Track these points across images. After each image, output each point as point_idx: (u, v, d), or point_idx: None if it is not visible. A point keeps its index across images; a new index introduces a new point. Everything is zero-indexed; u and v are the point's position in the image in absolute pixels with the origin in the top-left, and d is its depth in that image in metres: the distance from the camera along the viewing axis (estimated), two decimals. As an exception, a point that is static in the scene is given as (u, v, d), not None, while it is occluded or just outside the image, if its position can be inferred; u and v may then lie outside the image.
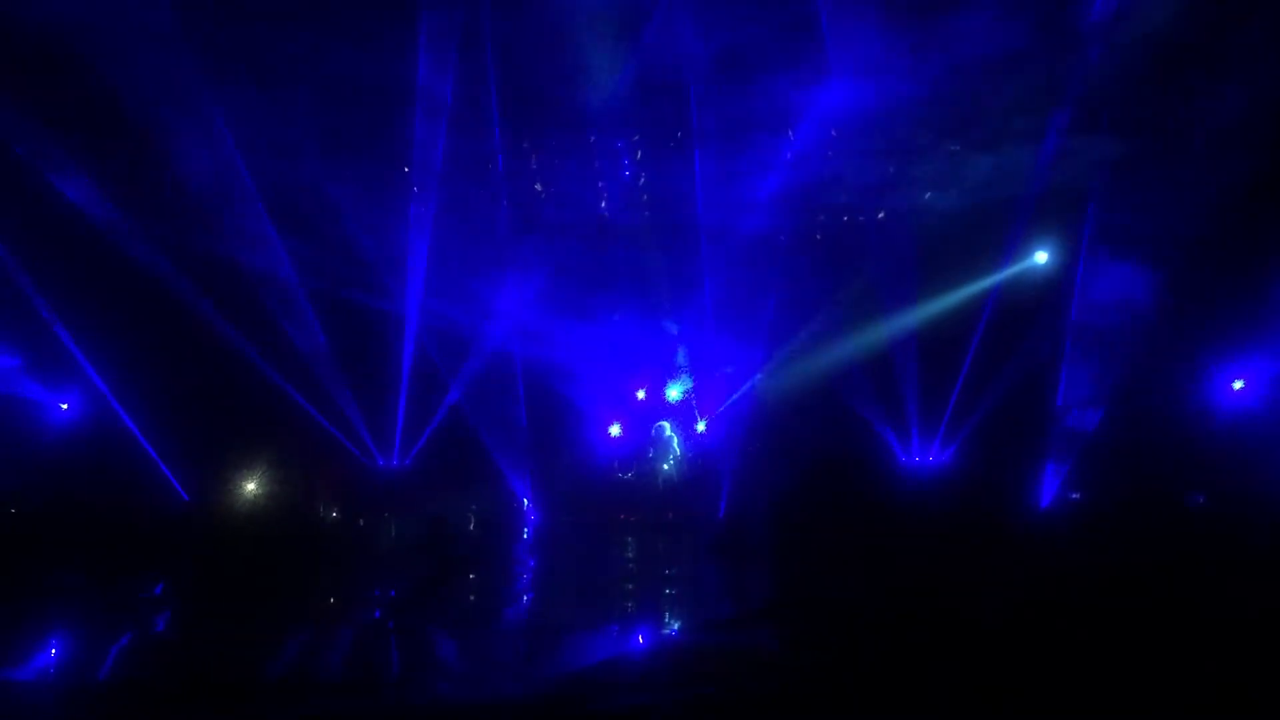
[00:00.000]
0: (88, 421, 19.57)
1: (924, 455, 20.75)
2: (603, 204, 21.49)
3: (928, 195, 20.64)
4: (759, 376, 21.30)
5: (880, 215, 21.11)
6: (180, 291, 19.26)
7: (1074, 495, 19.66)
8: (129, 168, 18.60)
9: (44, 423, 19.63)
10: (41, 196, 18.34)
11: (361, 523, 20.11)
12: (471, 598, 17.07)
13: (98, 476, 18.77)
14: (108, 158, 18.50)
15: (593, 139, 20.87)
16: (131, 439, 19.29)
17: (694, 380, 21.83)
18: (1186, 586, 13.27)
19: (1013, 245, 20.52)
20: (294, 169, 18.98)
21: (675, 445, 21.89)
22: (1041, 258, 20.57)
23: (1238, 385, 19.72)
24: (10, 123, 17.83)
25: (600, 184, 21.47)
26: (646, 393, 21.92)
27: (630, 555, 19.80)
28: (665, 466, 21.90)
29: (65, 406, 19.69)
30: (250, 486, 19.72)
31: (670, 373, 21.92)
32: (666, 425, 22.04)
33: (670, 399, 21.96)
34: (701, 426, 21.92)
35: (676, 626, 13.66)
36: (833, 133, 20.43)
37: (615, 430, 21.79)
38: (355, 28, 17.99)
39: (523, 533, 20.64)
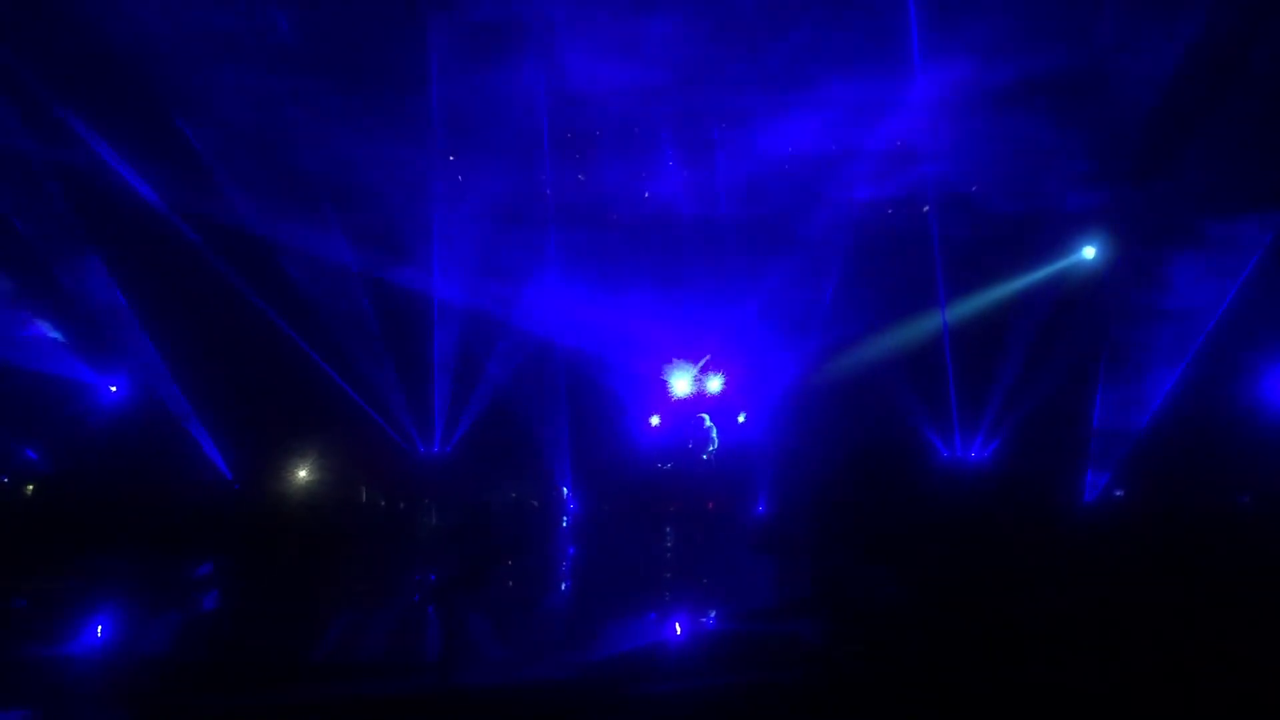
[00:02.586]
0: (136, 404, 19.85)
1: (966, 450, 20.59)
2: (645, 195, 21.49)
3: (974, 188, 20.44)
4: (802, 369, 21.23)
5: (925, 209, 20.92)
6: (227, 276, 19.46)
7: (1117, 492, 19.45)
8: (179, 150, 18.79)
9: (93, 404, 19.93)
10: (90, 179, 18.62)
11: (402, 508, 20.27)
12: (510, 584, 17.17)
13: (145, 459, 19.01)
14: (158, 140, 18.71)
15: (637, 131, 20.88)
16: (179, 423, 19.53)
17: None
18: (1225, 587, 13.12)
19: (1060, 239, 20.33)
20: (343, 153, 19.15)
21: (715, 437, 21.87)
22: (1089, 253, 20.35)
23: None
24: (59, 100, 18.15)
25: (644, 175, 21.47)
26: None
27: (669, 545, 19.81)
28: (704, 458, 21.88)
29: (114, 389, 19.97)
30: (294, 471, 19.94)
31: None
32: (706, 417, 22.02)
33: (711, 390, 21.95)
34: (742, 418, 21.89)
35: (714, 615, 13.66)
36: (878, 126, 20.32)
37: (655, 421, 21.82)
38: (408, 16, 18.17)
39: (562, 521, 20.72)
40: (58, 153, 18.27)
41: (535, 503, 20.71)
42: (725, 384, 21.96)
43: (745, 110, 20.18)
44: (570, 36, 19.21)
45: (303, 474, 19.98)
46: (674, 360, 21.83)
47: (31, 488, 19.19)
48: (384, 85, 18.90)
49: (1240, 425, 18.86)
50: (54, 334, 19.48)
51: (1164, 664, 9.57)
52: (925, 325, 20.78)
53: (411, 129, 19.55)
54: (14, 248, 18.55)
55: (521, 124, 20.17)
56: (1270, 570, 13.88)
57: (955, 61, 18.74)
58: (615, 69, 19.28)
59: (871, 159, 20.57)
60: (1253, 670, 9.24)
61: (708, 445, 21.88)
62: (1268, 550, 15.67)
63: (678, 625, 12.91)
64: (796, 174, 20.77)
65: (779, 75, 19.26)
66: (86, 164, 18.50)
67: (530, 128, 20.30)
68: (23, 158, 18.18)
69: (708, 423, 22.02)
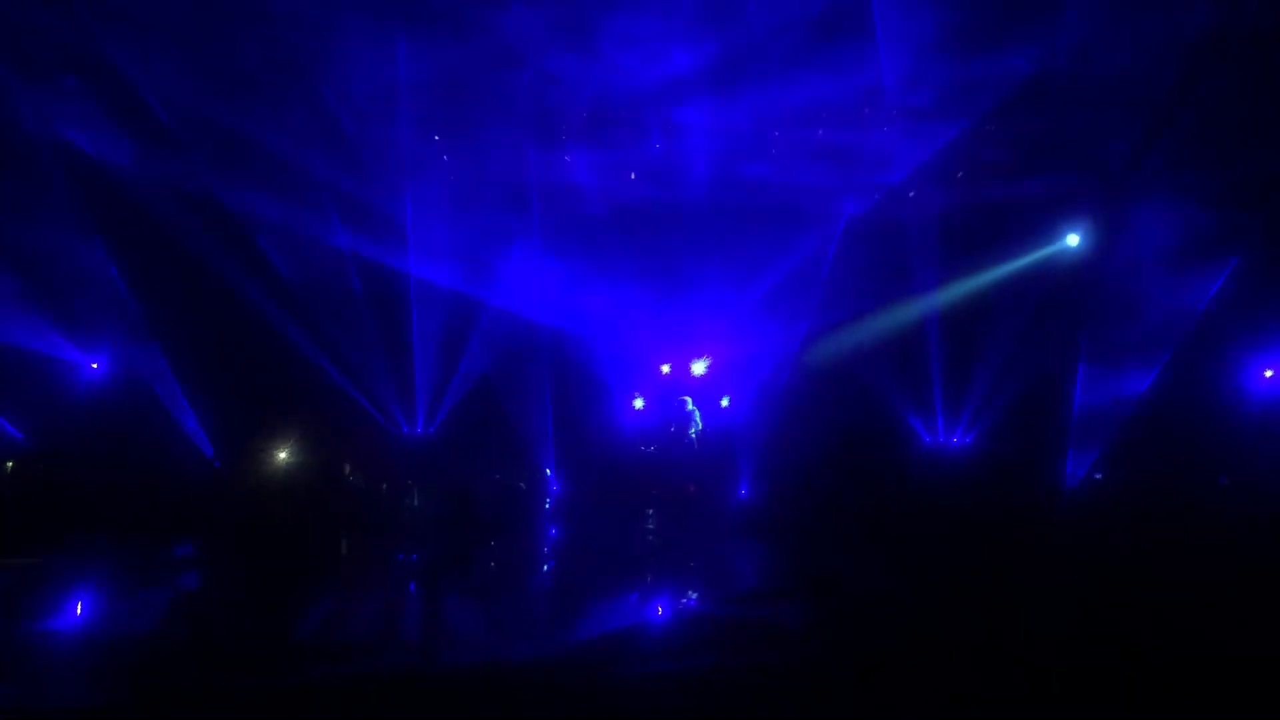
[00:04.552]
0: (118, 381, 19.72)
1: (949, 436, 20.67)
2: (632, 176, 21.39)
3: (960, 175, 20.43)
4: (786, 354, 21.25)
5: (911, 194, 20.91)
6: (211, 254, 19.34)
7: (1096, 476, 19.59)
8: (164, 127, 18.60)
9: (74, 381, 19.79)
10: (72, 155, 18.45)
11: (385, 488, 20.24)
12: (492, 565, 17.19)
13: (126, 437, 18.93)
14: (141, 113, 18.50)
15: (625, 117, 20.78)
16: (161, 401, 19.42)
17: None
18: (1207, 570, 13.23)
19: (1044, 227, 20.37)
20: (327, 136, 19.03)
21: (698, 420, 21.88)
22: (1073, 241, 20.40)
23: (1269, 374, 19.59)
24: (44, 79, 17.96)
25: (630, 161, 21.38)
26: (671, 368, 21.94)
27: (651, 528, 19.85)
28: (687, 441, 21.89)
29: (96, 365, 19.83)
30: (276, 451, 19.88)
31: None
32: (689, 400, 22.02)
33: (694, 374, 21.97)
34: (725, 402, 21.90)
35: (696, 598, 13.71)
36: (864, 111, 20.25)
37: (639, 404, 21.82)
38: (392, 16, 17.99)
39: (544, 503, 20.72)
40: (39, 123, 18.07)
41: (522, 485, 20.70)
42: (709, 368, 21.97)
43: (726, 96, 20.07)
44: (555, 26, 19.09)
45: (284, 454, 19.91)
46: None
47: (11, 464, 19.08)
48: (364, 61, 18.70)
49: (1221, 410, 19.04)
50: (35, 309, 19.31)
51: (1148, 647, 9.65)
52: (909, 311, 20.81)
53: (394, 107, 19.39)
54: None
55: (504, 104, 20.02)
56: (1250, 552, 14.04)
57: (941, 55, 18.69)
58: (598, 54, 19.19)
59: (855, 146, 20.51)
60: (1236, 652, 9.32)
61: (690, 428, 21.89)
62: (1247, 533, 15.86)
63: (659, 608, 12.94)
64: (780, 160, 20.70)
65: (761, 65, 19.16)
66: (70, 136, 18.33)
67: (514, 108, 20.15)
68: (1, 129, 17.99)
69: (690, 406, 22.02)
